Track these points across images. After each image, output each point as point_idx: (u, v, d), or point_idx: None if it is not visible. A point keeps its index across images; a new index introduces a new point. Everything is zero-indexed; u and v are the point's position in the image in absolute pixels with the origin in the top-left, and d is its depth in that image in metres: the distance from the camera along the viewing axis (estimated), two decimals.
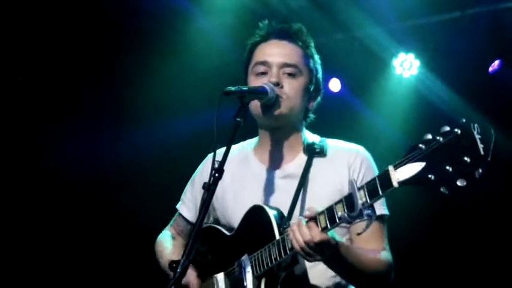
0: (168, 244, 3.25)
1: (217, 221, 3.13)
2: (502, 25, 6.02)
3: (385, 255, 2.82)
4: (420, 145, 2.01)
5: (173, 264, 2.72)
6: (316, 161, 2.93)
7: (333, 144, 3.00)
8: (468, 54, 6.15)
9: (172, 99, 6.63)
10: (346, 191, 2.77)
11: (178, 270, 2.32)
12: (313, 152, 2.94)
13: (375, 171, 2.89)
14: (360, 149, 2.97)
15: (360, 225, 2.31)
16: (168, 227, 3.38)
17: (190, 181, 3.29)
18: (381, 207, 2.86)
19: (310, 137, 3.04)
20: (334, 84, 6.85)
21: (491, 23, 6.02)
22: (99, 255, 6.59)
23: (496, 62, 6.28)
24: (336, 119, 5.76)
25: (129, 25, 6.28)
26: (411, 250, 6.08)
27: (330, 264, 2.61)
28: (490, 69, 6.31)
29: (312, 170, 2.90)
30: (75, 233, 6.56)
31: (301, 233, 2.40)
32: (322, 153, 2.94)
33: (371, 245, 2.79)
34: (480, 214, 6.25)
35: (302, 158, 2.95)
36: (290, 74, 2.92)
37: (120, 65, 6.48)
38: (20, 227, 6.37)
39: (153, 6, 6.19)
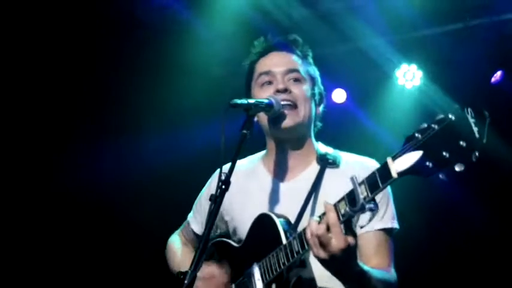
0: (179, 251, 3.30)
1: (226, 234, 3.13)
2: (504, 36, 6.04)
3: (393, 276, 2.78)
4: (416, 134, 2.02)
5: (180, 275, 2.73)
6: (329, 171, 2.94)
7: (346, 157, 3.02)
8: (470, 65, 6.16)
9: (175, 110, 6.61)
10: None
11: (186, 281, 2.34)
12: (326, 162, 2.95)
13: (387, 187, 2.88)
14: (374, 163, 2.95)
15: (363, 218, 2.28)
16: (178, 231, 3.42)
17: (199, 195, 3.32)
18: (392, 220, 2.86)
19: (322, 148, 3.06)
20: (338, 95, 6.86)
21: (493, 34, 6.03)
22: (108, 268, 6.56)
23: (499, 73, 6.29)
24: (338, 129, 5.76)
25: (131, 37, 6.28)
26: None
27: (339, 271, 2.48)
28: (493, 80, 6.31)
29: (324, 179, 2.91)
30: (80, 247, 6.54)
31: (318, 227, 2.31)
32: (335, 164, 2.95)
33: (376, 259, 2.75)
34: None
35: (315, 168, 2.97)
36: (295, 80, 2.98)
37: (121, 78, 6.46)
38: (27, 240, 6.38)
39: (154, 18, 6.20)
